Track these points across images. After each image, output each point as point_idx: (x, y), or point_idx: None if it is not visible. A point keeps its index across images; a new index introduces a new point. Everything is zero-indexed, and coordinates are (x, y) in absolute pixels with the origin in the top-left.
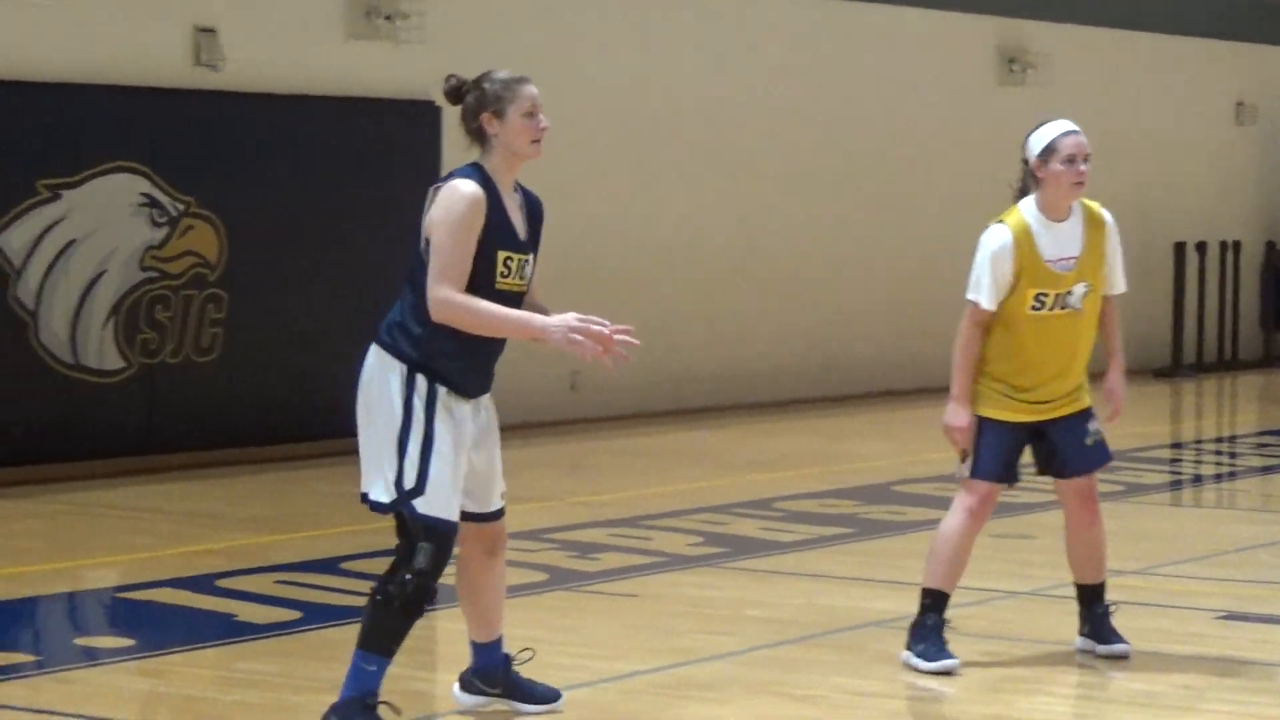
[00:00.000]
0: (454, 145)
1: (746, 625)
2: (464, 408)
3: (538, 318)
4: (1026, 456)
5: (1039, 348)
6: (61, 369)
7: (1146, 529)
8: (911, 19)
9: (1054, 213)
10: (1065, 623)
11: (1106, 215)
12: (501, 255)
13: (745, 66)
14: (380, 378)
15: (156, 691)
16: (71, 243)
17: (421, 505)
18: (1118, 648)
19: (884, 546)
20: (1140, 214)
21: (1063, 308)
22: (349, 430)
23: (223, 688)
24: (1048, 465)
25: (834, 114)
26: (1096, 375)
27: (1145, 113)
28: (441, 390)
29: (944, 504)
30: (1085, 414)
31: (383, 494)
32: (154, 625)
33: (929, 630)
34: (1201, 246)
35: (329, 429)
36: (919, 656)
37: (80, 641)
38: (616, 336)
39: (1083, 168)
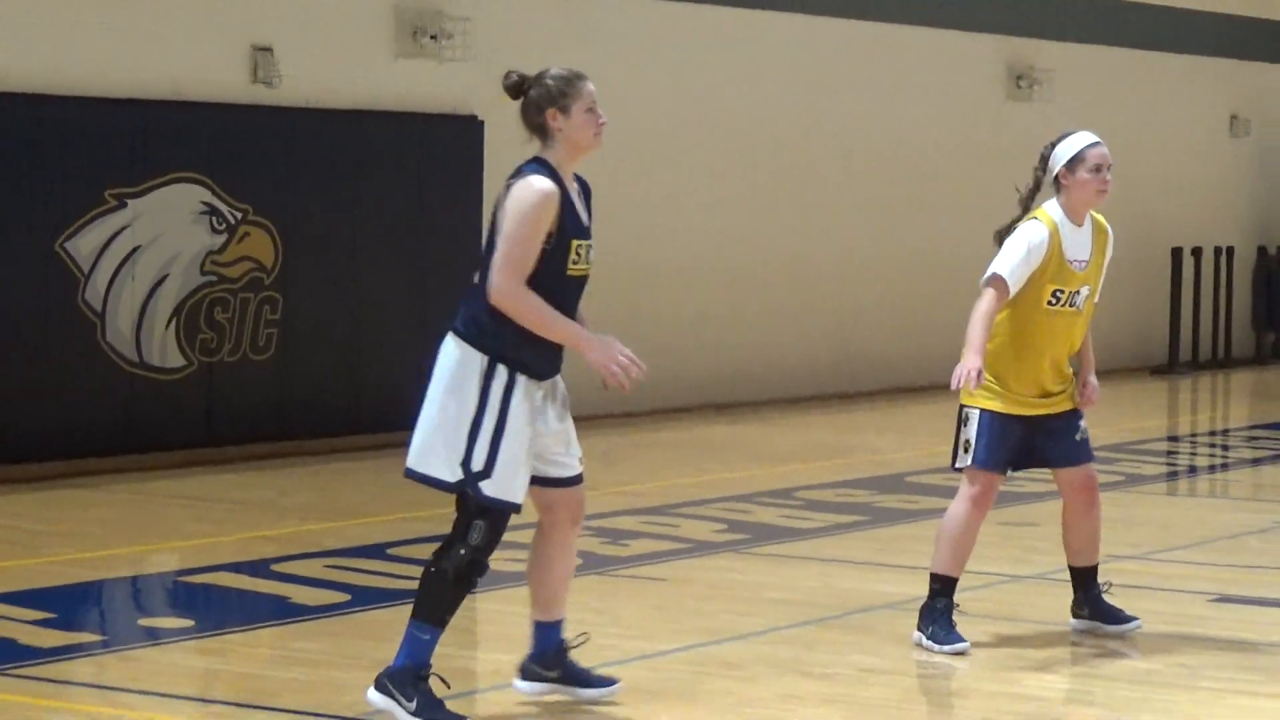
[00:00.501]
0: (494, 156)
1: (767, 607)
2: (540, 391)
3: (584, 333)
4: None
5: (1047, 341)
6: (127, 367)
7: (1143, 517)
8: (927, 38)
9: (1076, 217)
10: (1067, 605)
11: (1108, 226)
12: (574, 244)
13: (770, 83)
14: (460, 366)
15: (214, 669)
16: (137, 248)
17: (488, 487)
18: (1129, 625)
19: (896, 533)
20: (1140, 220)
21: (1070, 305)
22: (397, 424)
23: (277, 665)
24: (1045, 459)
25: (853, 126)
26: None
27: (1145, 126)
28: (521, 378)
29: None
30: (1076, 412)
31: (446, 473)
32: (212, 607)
33: (939, 613)
34: (1197, 251)
35: (377, 423)
36: (930, 639)
37: (144, 622)
38: (634, 374)
39: (1107, 177)
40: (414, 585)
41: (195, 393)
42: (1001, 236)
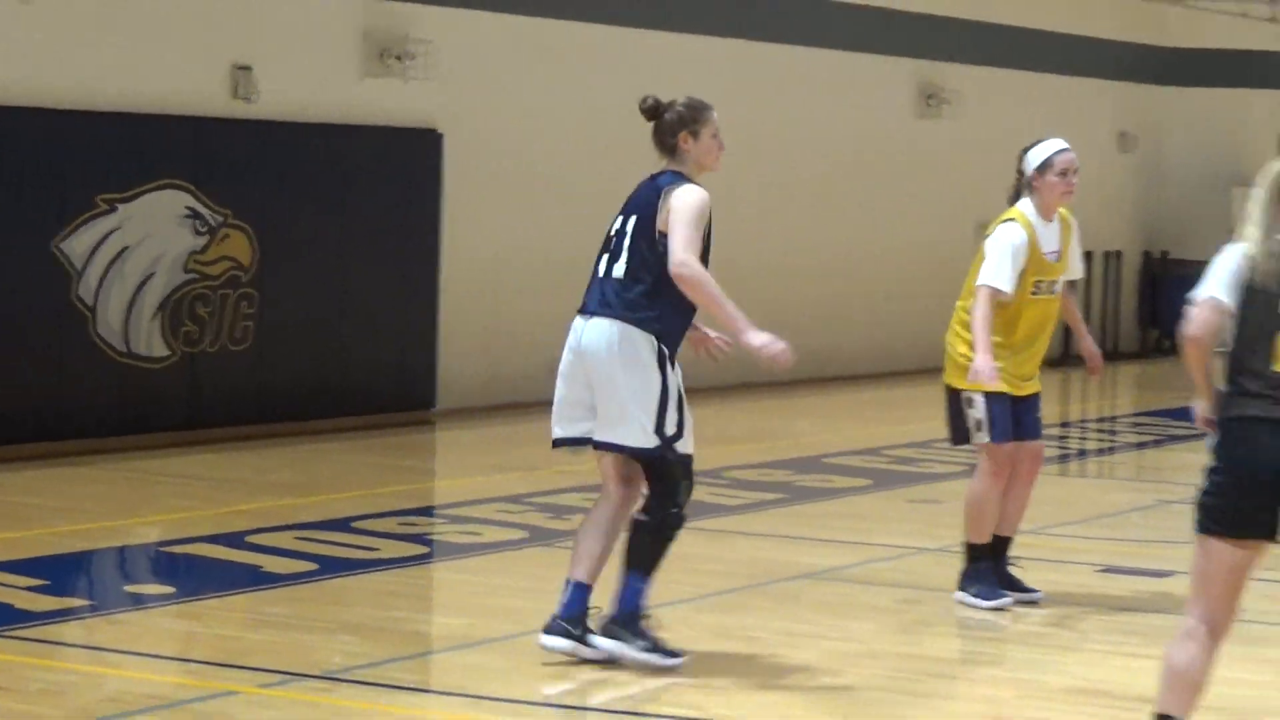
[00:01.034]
0: (452, 166)
1: (699, 576)
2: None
3: (744, 318)
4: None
5: (1033, 326)
6: (116, 356)
7: (1039, 496)
8: (848, 61)
9: (1046, 215)
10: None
11: (1072, 218)
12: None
13: (711, 101)
14: (630, 345)
15: (193, 631)
16: (125, 249)
17: (682, 446)
18: (1030, 595)
19: (815, 509)
20: None
21: (1049, 293)
22: (363, 409)
23: (250, 628)
24: (1019, 433)
25: (782, 140)
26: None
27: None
28: (668, 354)
29: (864, 473)
30: (1038, 395)
31: (643, 440)
32: (192, 575)
33: (982, 573)
34: (1088, 255)
35: (345, 408)
36: (975, 596)
37: (129, 588)
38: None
39: (1073, 180)
40: (376, 556)
41: (179, 380)
42: (984, 229)
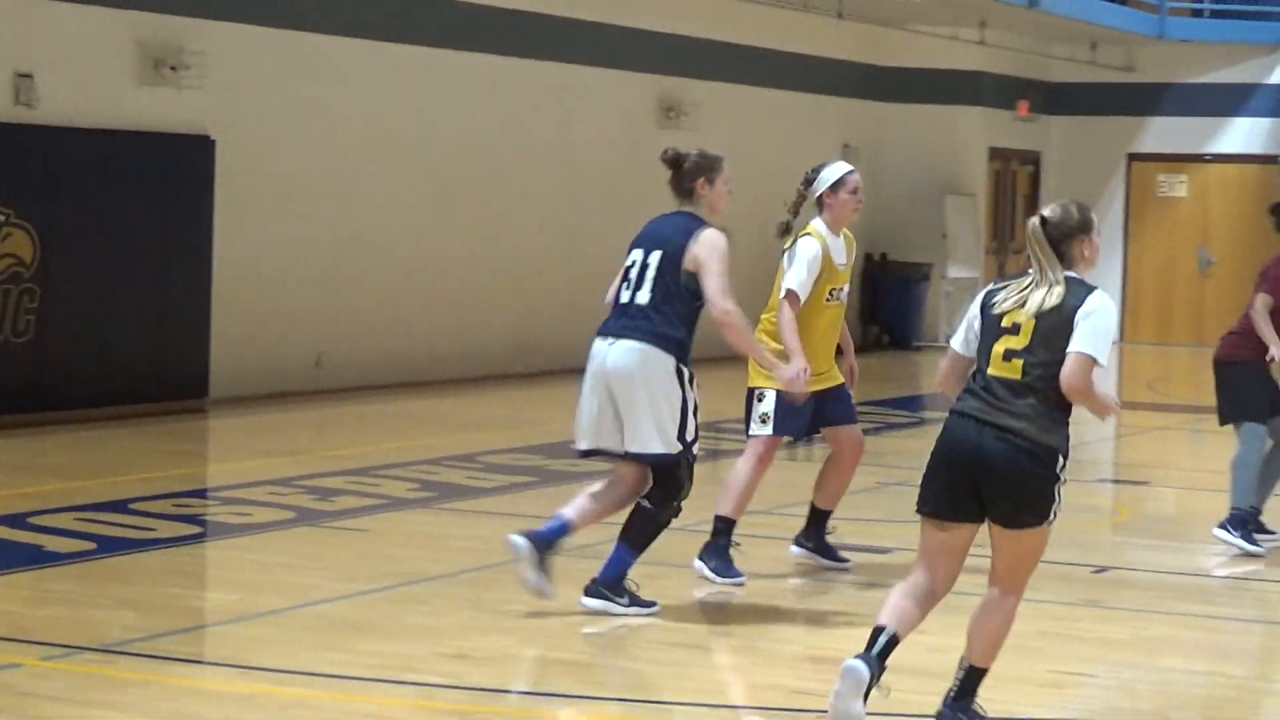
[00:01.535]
0: (223, 170)
1: (453, 554)
2: None
3: (770, 356)
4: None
5: (827, 329)
6: None
7: (771, 478)
8: (593, 75)
9: (836, 229)
10: (694, 549)
11: (853, 236)
12: None
13: (468, 112)
14: (658, 367)
15: None
16: None
17: (694, 451)
18: (842, 564)
19: (562, 491)
20: (767, 230)
21: (839, 300)
22: (140, 398)
23: (34, 605)
24: (830, 420)
25: (535, 149)
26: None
27: (772, 151)
28: (687, 372)
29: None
30: (844, 385)
31: (666, 447)
32: None
33: (722, 549)
34: None
35: (121, 397)
36: (713, 571)
37: None
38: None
39: (861, 197)
40: (153, 535)
41: None
42: (782, 231)
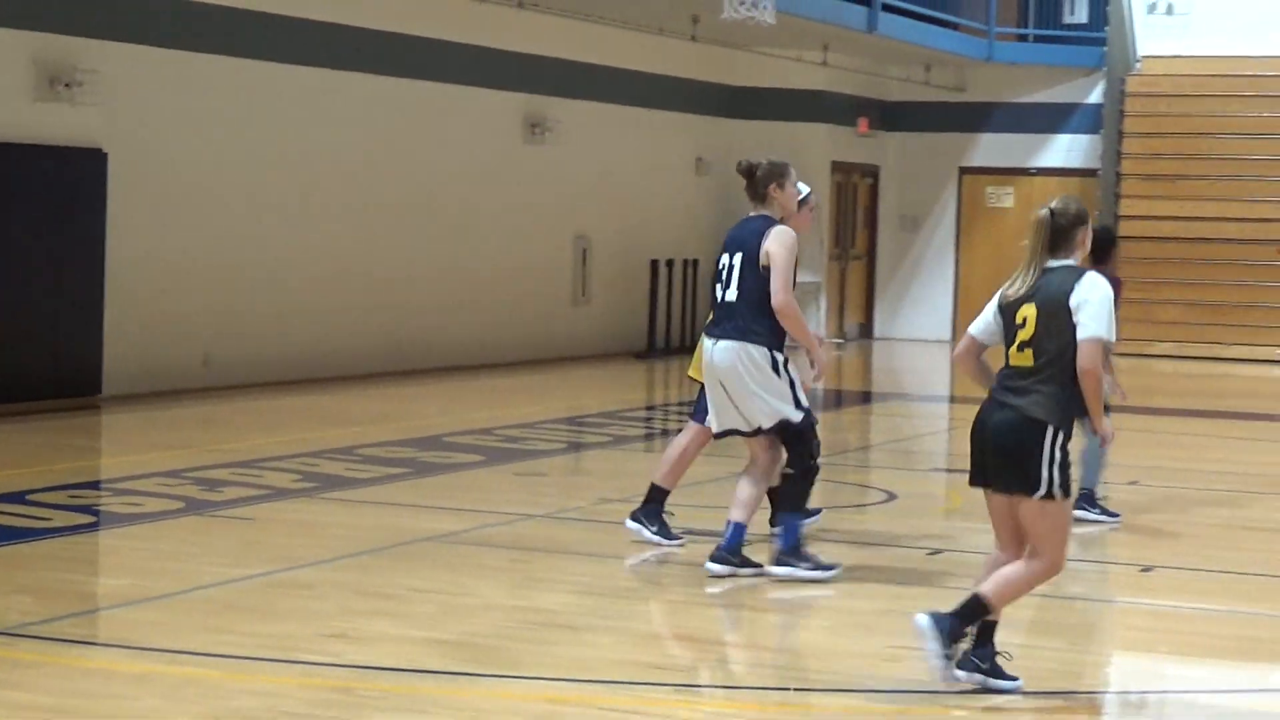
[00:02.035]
0: (116, 181)
1: (334, 540)
2: None
3: (817, 342)
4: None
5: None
6: None
7: (628, 469)
8: (462, 94)
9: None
10: (566, 535)
11: None
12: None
13: (347, 129)
14: (749, 363)
15: None
16: None
17: (814, 415)
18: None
19: (437, 482)
20: (626, 237)
21: None
22: (36, 396)
23: None
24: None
25: (410, 162)
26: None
27: (631, 164)
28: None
29: (478, 450)
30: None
31: (792, 414)
32: None
33: (655, 514)
34: (670, 263)
35: (19, 395)
36: (656, 534)
37: None
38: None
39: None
40: (49, 524)
41: None
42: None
